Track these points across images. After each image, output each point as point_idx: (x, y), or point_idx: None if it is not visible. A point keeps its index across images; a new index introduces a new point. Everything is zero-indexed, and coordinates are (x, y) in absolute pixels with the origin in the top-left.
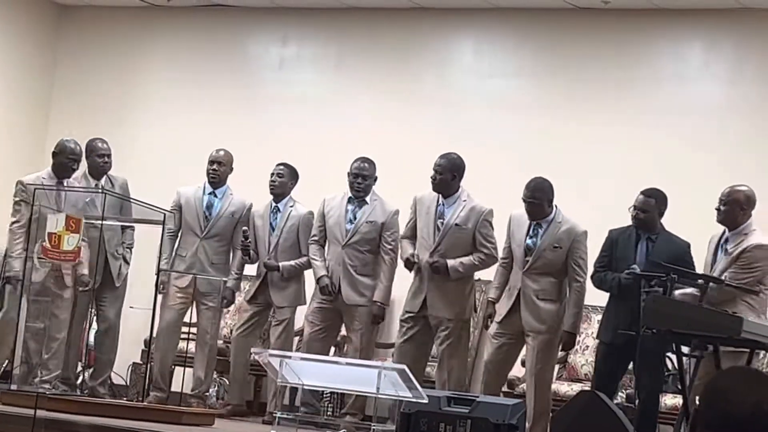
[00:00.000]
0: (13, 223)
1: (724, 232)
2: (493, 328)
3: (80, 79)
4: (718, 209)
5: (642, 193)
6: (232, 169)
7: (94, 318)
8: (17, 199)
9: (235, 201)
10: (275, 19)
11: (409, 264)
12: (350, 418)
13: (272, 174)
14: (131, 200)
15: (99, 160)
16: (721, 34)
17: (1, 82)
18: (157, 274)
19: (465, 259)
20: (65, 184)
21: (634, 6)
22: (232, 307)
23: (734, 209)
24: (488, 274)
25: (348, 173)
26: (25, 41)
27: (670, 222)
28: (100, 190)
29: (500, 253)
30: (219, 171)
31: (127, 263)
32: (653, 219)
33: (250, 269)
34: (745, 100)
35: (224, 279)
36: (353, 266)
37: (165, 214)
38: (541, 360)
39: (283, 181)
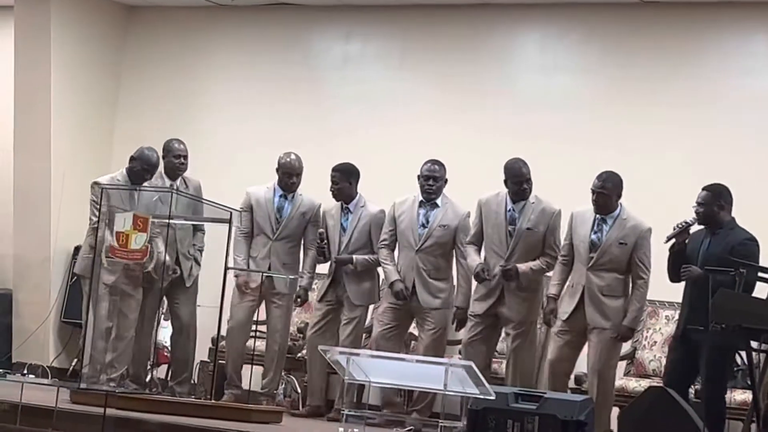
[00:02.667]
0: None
1: None
2: (557, 325)
3: (147, 78)
4: None
5: (703, 188)
6: (303, 169)
7: (162, 317)
8: (94, 199)
9: (305, 202)
10: (338, 17)
11: (480, 278)
12: (418, 415)
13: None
14: (199, 199)
15: (176, 161)
16: None
17: (69, 83)
18: (225, 273)
19: (534, 264)
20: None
21: None
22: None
23: None
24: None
25: (418, 176)
26: (92, 42)
27: (740, 217)
28: (169, 190)
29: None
30: (296, 183)
31: (198, 264)
32: (712, 213)
33: (321, 269)
34: None
35: (293, 277)
36: (426, 270)
37: (232, 213)
38: (605, 357)
39: (340, 187)
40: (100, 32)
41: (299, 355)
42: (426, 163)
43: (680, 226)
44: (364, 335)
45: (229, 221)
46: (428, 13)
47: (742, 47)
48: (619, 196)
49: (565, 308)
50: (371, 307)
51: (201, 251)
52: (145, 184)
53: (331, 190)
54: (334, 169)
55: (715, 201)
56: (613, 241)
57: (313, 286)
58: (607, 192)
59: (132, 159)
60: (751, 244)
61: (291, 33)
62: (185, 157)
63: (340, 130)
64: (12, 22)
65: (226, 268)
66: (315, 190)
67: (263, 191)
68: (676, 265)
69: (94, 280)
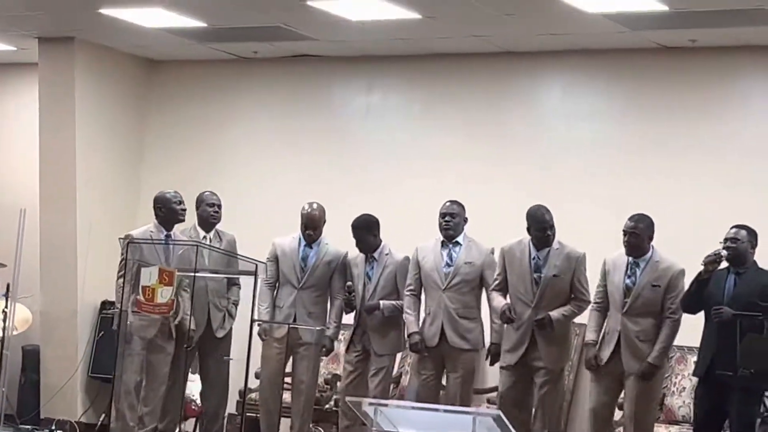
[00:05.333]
0: (120, 277)
1: None
2: (594, 374)
3: (170, 132)
4: None
5: (734, 226)
6: (325, 221)
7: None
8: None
9: (330, 251)
10: (360, 68)
11: (506, 318)
12: None
13: None
14: (224, 252)
15: (209, 209)
16: None
17: (94, 138)
18: (251, 324)
19: (565, 310)
20: (172, 235)
21: (721, 44)
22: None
23: None
24: (581, 317)
25: (438, 217)
26: (116, 97)
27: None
28: (194, 243)
29: (593, 297)
30: (314, 235)
31: (232, 318)
32: (745, 252)
33: (348, 319)
34: None
35: (319, 328)
36: (455, 309)
37: (257, 265)
38: (642, 403)
39: (363, 241)
40: (123, 87)
41: (327, 406)
42: (445, 203)
43: (715, 254)
44: (392, 385)
45: (255, 273)
46: (450, 63)
47: (766, 90)
48: (651, 238)
49: (602, 355)
50: (399, 355)
51: (236, 305)
52: (179, 234)
53: (357, 246)
54: (353, 227)
55: (750, 240)
56: (646, 284)
57: (340, 336)
58: (639, 232)
59: (158, 207)
60: None
61: (313, 84)
62: (219, 206)
63: (364, 180)
64: (36, 79)
65: (252, 320)
66: (341, 240)
67: (288, 241)
68: (698, 294)
69: (121, 333)
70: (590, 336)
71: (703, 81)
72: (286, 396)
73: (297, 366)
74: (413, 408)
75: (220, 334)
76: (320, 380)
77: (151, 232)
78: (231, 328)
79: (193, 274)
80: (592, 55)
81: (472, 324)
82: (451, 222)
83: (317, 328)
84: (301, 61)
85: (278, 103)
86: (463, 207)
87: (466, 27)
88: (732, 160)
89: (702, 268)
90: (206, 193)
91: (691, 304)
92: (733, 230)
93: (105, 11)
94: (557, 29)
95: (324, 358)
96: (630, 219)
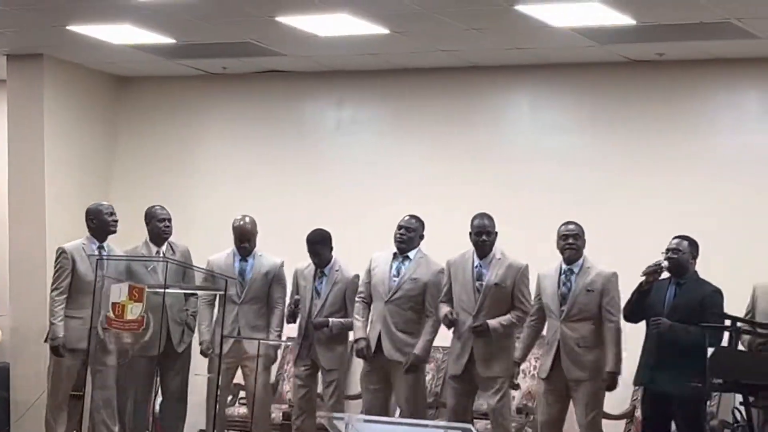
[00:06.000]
0: (54, 290)
1: None
2: (541, 386)
3: (140, 147)
4: None
5: (676, 236)
6: (257, 233)
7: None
8: (58, 266)
9: (265, 262)
10: (330, 83)
11: (448, 321)
12: None
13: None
14: (195, 268)
15: (160, 225)
16: None
17: (63, 153)
18: (221, 340)
19: (504, 319)
20: (105, 246)
21: (688, 57)
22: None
23: None
24: None
25: (396, 229)
26: (85, 112)
27: (730, 271)
28: (162, 259)
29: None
30: (248, 248)
31: (191, 330)
32: (686, 263)
33: (290, 330)
34: None
35: (263, 340)
36: (394, 323)
37: (227, 281)
38: (590, 409)
39: (319, 255)
40: (92, 103)
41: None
42: (403, 217)
43: (655, 264)
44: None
45: (225, 289)
46: (419, 77)
47: (733, 103)
48: (582, 244)
49: (545, 366)
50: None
51: (194, 316)
52: (131, 250)
53: (312, 260)
54: (309, 241)
55: (692, 250)
56: (581, 290)
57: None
58: (580, 236)
59: (90, 219)
60: (717, 296)
61: (283, 100)
62: (169, 220)
63: (334, 194)
64: (5, 96)
65: (222, 336)
66: (304, 255)
67: (223, 257)
68: (639, 304)
69: (91, 351)
70: (516, 354)
71: (670, 94)
72: (241, 410)
73: (247, 381)
74: (382, 422)
75: (180, 348)
76: (290, 396)
77: (83, 244)
78: (190, 342)
79: (162, 290)
80: (560, 69)
81: (410, 339)
82: (406, 236)
83: (260, 339)
84: (271, 76)
85: (248, 118)
86: (422, 223)
87: (435, 42)
88: (700, 173)
89: (643, 278)
90: (156, 207)
91: (632, 314)
92: (675, 241)
93: (73, 28)
94: (525, 44)
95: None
96: (568, 222)
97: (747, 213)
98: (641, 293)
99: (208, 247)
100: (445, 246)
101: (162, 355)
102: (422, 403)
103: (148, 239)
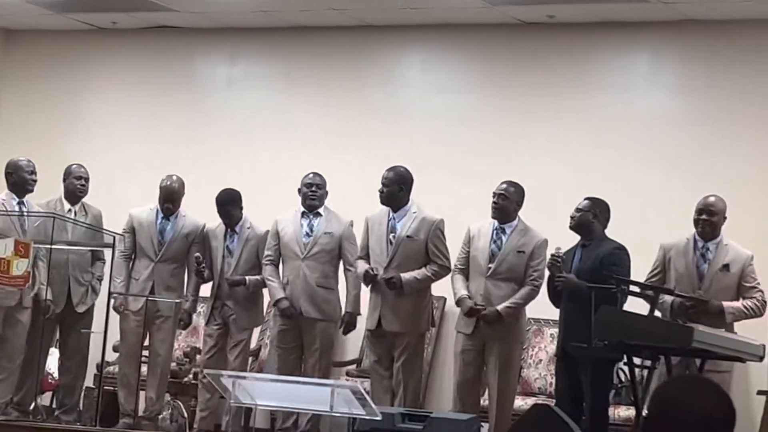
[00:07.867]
0: None
1: (695, 242)
2: (459, 344)
3: (27, 102)
4: (701, 220)
5: (585, 198)
6: (183, 194)
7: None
8: None
9: (188, 223)
10: (223, 40)
11: (368, 277)
12: None
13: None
14: (80, 224)
15: (76, 182)
16: (666, 45)
17: None
18: (108, 297)
19: (418, 273)
20: (25, 202)
21: (579, 20)
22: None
23: (721, 220)
24: (441, 289)
25: (299, 189)
26: None
27: (617, 230)
28: (51, 214)
29: (455, 262)
30: (172, 209)
31: (96, 293)
32: (586, 222)
33: (204, 290)
34: (691, 111)
35: (176, 301)
36: (314, 278)
37: (115, 237)
38: (504, 372)
39: (229, 215)
40: None
41: (186, 379)
42: (307, 174)
43: (552, 255)
44: (251, 358)
45: (113, 246)
46: (312, 36)
47: (623, 66)
48: (519, 205)
49: (468, 323)
50: (258, 328)
51: (100, 280)
52: (46, 205)
53: (223, 221)
54: (218, 202)
55: (592, 209)
56: (511, 249)
57: (199, 309)
58: (509, 195)
59: (9, 174)
60: (620, 253)
61: (175, 56)
62: (86, 179)
63: (224, 152)
64: None
65: (110, 293)
66: (200, 213)
67: (146, 213)
68: (555, 291)
69: None
70: (461, 293)
71: (561, 56)
72: (145, 369)
73: (153, 339)
74: (272, 380)
75: (81, 308)
76: (179, 353)
77: (3, 200)
78: (93, 304)
79: (49, 246)
80: (452, 30)
81: (329, 295)
82: (317, 192)
83: (175, 300)
84: (162, 32)
85: (138, 74)
86: (324, 179)
87: (327, 0)
88: (590, 134)
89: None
90: (74, 165)
91: (553, 300)
92: (582, 201)
93: None
94: (417, 3)
95: (182, 331)
96: (503, 182)
97: (635, 173)
98: (549, 281)
99: (96, 202)
100: (338, 202)
101: (62, 314)
102: (330, 360)
103: (62, 196)
